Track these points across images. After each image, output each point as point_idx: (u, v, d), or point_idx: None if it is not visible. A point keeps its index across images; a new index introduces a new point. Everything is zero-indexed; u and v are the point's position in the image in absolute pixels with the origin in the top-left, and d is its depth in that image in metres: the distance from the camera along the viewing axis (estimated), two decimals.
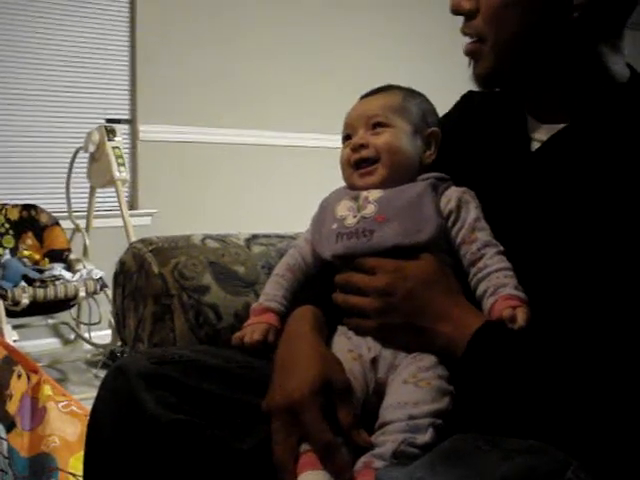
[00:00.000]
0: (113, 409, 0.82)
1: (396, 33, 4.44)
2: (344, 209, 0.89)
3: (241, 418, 0.84)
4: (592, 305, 0.75)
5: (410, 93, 0.97)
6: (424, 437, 0.72)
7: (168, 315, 1.08)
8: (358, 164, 0.91)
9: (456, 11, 0.88)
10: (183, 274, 1.10)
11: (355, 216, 0.88)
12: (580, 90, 0.85)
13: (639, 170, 0.77)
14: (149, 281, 1.10)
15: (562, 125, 0.86)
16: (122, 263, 1.16)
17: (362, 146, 0.91)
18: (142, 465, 0.80)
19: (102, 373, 2.81)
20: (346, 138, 0.95)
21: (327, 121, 3.91)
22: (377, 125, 0.92)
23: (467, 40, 0.89)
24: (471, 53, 0.88)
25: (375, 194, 0.89)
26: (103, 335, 3.29)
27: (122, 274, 1.16)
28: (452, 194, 0.88)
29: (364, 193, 0.89)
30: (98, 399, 0.86)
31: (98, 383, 0.88)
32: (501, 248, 0.84)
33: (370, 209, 0.87)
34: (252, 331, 0.91)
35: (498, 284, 0.81)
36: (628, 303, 0.73)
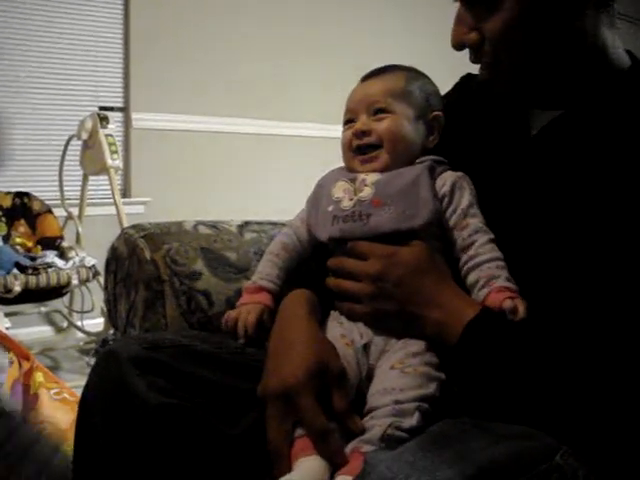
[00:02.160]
0: (104, 394, 0.82)
1: (396, 25, 4.42)
2: (340, 191, 0.89)
3: (232, 403, 0.84)
4: (585, 294, 0.75)
5: (413, 75, 0.95)
6: (411, 420, 0.72)
7: (160, 301, 1.07)
8: (360, 150, 0.90)
9: (460, 45, 0.85)
10: (175, 260, 1.10)
11: (351, 199, 0.87)
12: (580, 76, 0.84)
13: (637, 158, 0.76)
14: (141, 267, 1.09)
15: (561, 112, 0.85)
16: (114, 249, 1.15)
17: (364, 133, 0.90)
18: (132, 449, 0.80)
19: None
20: (347, 122, 0.93)
21: (323, 111, 3.92)
22: (379, 111, 0.90)
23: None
24: (487, 79, 0.87)
25: (372, 177, 0.88)
26: (96, 323, 3.28)
27: (114, 260, 1.15)
28: (448, 177, 0.88)
29: (362, 175, 0.89)
30: (89, 384, 0.85)
31: None
32: (492, 236, 0.84)
33: (367, 192, 0.86)
34: (247, 312, 0.91)
35: (490, 275, 0.81)
36: (622, 293, 0.73)
